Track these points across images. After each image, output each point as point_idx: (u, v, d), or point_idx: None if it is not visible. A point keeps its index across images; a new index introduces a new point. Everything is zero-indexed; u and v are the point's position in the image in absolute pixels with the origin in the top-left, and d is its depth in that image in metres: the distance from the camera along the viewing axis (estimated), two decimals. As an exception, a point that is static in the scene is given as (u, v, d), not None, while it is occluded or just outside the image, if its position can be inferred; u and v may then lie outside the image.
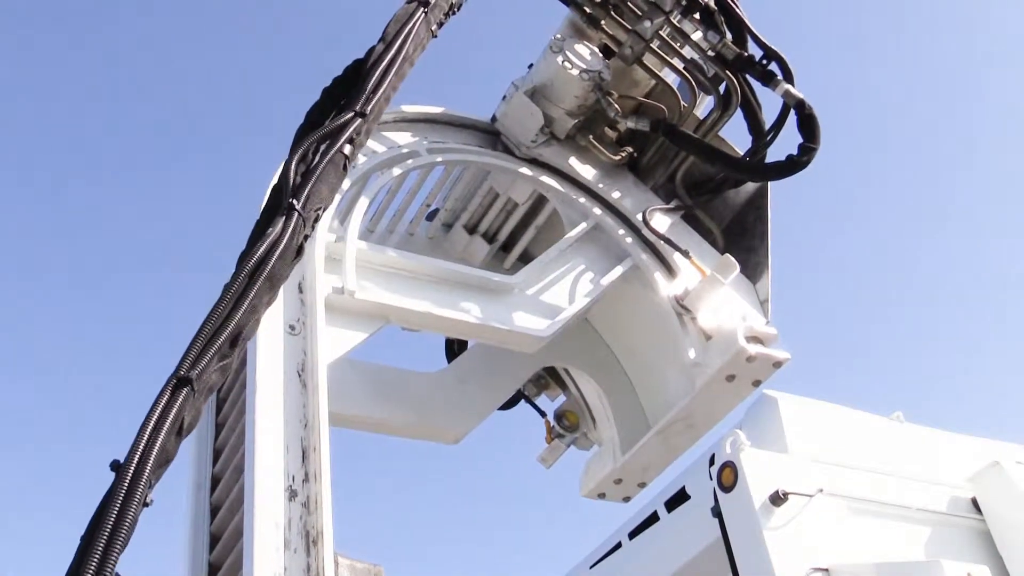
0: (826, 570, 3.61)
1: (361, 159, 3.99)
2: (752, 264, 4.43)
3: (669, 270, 4.25)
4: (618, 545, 4.64)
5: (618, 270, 4.24)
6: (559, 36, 4.35)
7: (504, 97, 4.47)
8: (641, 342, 4.47)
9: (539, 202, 4.60)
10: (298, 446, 2.99)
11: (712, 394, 3.95)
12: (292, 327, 3.28)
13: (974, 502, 4.23)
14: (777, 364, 3.89)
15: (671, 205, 4.51)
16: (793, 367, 3.99)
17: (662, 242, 4.28)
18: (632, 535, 4.57)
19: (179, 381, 2.35)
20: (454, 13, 3.79)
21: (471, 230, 4.81)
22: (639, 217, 4.37)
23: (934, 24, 17.54)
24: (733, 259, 4.15)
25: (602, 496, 4.41)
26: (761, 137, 4.37)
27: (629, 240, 4.30)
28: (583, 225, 4.29)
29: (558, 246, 4.21)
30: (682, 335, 4.05)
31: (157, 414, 2.28)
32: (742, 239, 4.57)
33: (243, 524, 2.88)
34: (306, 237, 2.83)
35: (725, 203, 4.67)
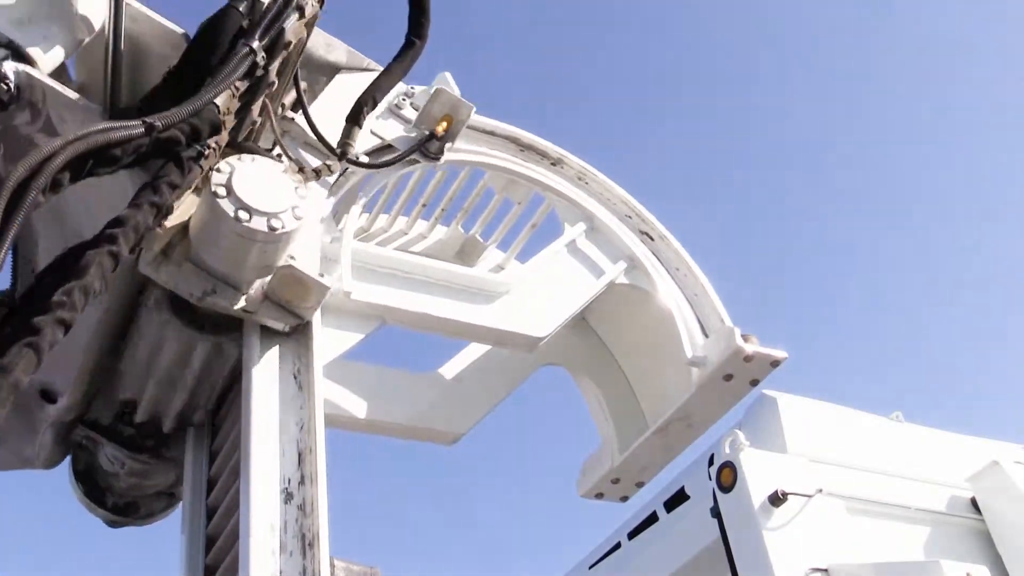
0: (825, 570, 3.62)
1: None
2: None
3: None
4: (617, 545, 4.64)
5: (615, 269, 4.22)
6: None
7: None
8: (639, 341, 4.45)
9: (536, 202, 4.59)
10: (294, 448, 2.97)
11: (710, 393, 3.94)
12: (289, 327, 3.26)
13: (973, 502, 4.23)
14: (775, 363, 3.89)
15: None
16: (792, 366, 3.99)
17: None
18: (631, 535, 4.57)
19: None
20: None
21: (467, 230, 4.80)
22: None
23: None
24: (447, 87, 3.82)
25: (600, 496, 4.40)
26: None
27: (629, 237, 4.27)
28: (580, 225, 4.27)
29: (555, 246, 4.19)
30: (680, 332, 4.03)
31: None
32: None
33: (239, 527, 2.86)
34: None
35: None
